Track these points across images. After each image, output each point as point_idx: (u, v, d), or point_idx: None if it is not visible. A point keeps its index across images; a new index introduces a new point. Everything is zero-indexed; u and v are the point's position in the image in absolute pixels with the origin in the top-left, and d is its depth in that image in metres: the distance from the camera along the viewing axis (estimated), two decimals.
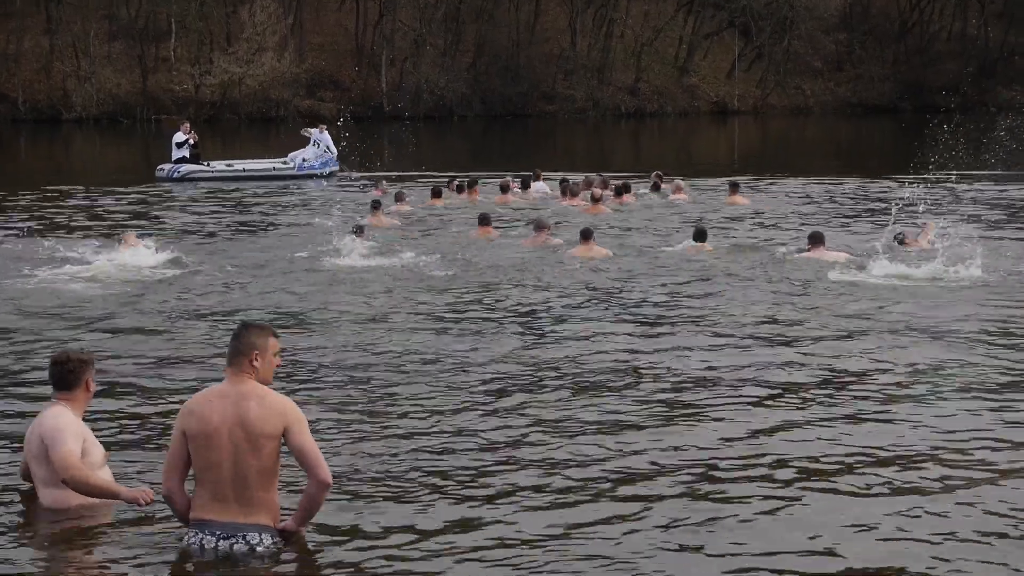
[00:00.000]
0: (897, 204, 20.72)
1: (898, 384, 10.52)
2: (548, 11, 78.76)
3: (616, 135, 64.48)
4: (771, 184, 31.19)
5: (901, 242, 18.43)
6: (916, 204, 22.35)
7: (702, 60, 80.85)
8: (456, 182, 28.53)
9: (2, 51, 66.85)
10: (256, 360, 6.55)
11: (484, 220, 21.11)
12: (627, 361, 11.50)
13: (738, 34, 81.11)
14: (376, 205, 23.16)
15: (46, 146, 55.92)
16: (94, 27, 68.38)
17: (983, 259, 16.30)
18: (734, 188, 26.84)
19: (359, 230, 19.80)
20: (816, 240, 17.71)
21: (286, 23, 71.13)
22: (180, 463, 6.56)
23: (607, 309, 14.24)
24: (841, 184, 31.10)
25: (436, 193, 26.48)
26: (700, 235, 18.68)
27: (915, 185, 26.94)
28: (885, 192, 28.90)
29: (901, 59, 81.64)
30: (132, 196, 29.03)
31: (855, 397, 10.10)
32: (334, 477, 6.71)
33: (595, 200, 24.35)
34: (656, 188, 28.31)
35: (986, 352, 11.68)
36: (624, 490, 7.82)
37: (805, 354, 11.68)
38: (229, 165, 33.78)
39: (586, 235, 18.37)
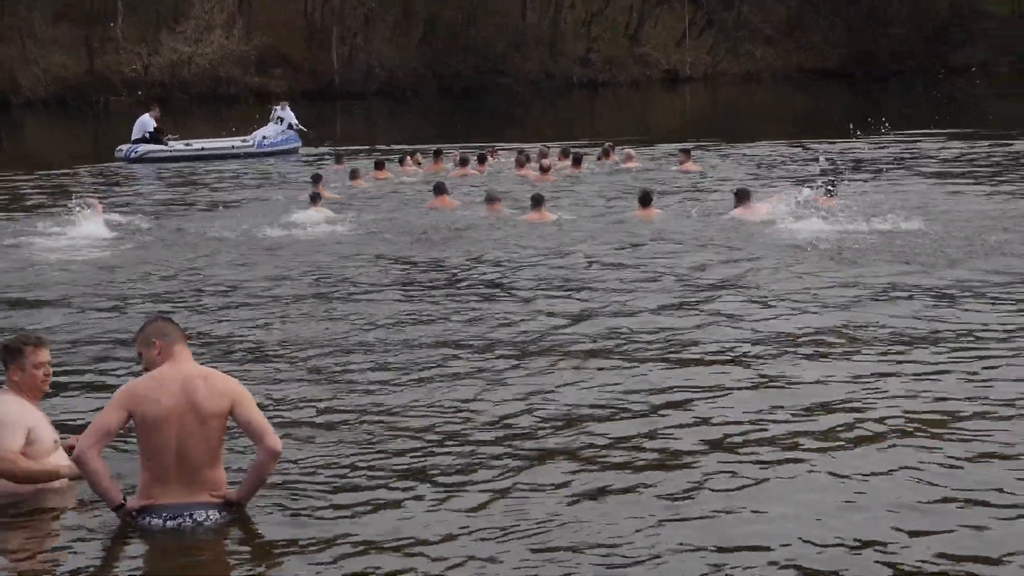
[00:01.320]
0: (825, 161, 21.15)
1: (834, 343, 10.62)
2: None
3: (569, 106, 64.54)
4: (722, 150, 31.38)
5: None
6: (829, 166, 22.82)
7: (652, 28, 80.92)
8: (418, 155, 28.94)
9: None
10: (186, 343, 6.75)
11: (440, 189, 21.25)
12: (571, 322, 11.65)
13: (688, 1, 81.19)
14: (317, 179, 23.21)
15: (10, 130, 55.27)
16: (39, 9, 67.63)
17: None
18: (685, 154, 27.09)
19: (315, 197, 20.20)
20: (742, 196, 18.17)
21: (234, 0, 70.60)
22: (105, 436, 6.57)
23: (556, 272, 14.46)
24: (791, 147, 31.37)
25: (379, 166, 26.76)
26: (645, 199, 18.92)
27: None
28: (834, 153, 29.20)
29: (853, 24, 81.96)
30: (88, 178, 28.90)
31: (803, 356, 10.22)
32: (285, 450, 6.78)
33: (544, 170, 24.85)
34: (607, 155, 28.49)
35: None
36: (575, 444, 7.92)
37: (736, 313, 11.85)
38: (188, 144, 33.50)
39: (537, 201, 18.83)
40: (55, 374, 7.64)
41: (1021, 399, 8.57)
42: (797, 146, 31.70)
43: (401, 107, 63.81)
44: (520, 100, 67.25)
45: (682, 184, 23.95)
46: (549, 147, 29.26)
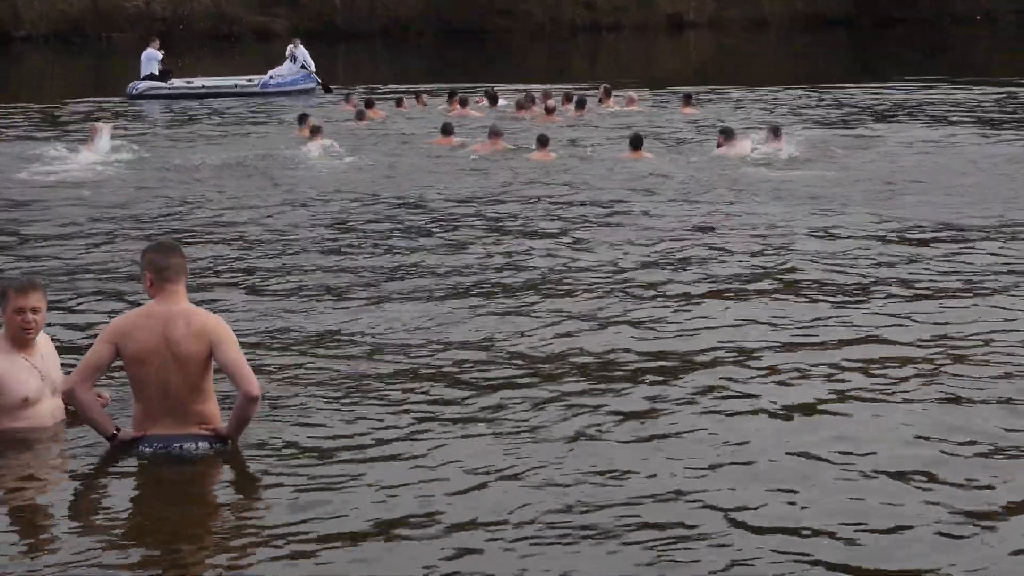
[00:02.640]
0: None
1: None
2: None
3: (573, 50, 64.31)
4: (724, 95, 31.42)
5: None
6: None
7: None
8: (424, 96, 29.10)
9: None
10: (185, 278, 6.81)
11: (447, 130, 21.55)
12: (569, 262, 11.94)
13: None
14: (304, 118, 23.29)
15: (12, 65, 55.08)
16: None
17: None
18: (687, 100, 27.34)
19: (315, 130, 20.71)
20: (727, 134, 19.06)
21: None
22: (94, 371, 6.72)
23: (556, 210, 14.95)
24: (792, 91, 31.41)
25: (370, 104, 26.94)
26: (636, 142, 19.27)
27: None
28: (835, 99, 29.25)
29: None
30: (90, 110, 29.01)
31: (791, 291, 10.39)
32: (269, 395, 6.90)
33: (549, 111, 25.04)
34: (608, 96, 28.51)
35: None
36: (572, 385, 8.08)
37: (726, 250, 12.21)
38: (188, 82, 33.21)
39: (542, 141, 19.36)
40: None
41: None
42: (797, 90, 31.72)
43: (403, 48, 63.59)
44: (523, 42, 66.98)
45: (681, 127, 24.11)
46: (551, 90, 29.44)
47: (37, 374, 7.05)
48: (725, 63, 53.25)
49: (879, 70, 32.97)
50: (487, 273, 11.38)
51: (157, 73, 32.87)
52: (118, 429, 6.80)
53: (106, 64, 54.03)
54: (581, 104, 26.55)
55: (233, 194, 16.40)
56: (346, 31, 68.83)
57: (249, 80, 33.56)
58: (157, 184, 17.41)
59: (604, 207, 15.06)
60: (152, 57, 33.05)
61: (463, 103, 27.21)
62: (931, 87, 31.74)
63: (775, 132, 19.57)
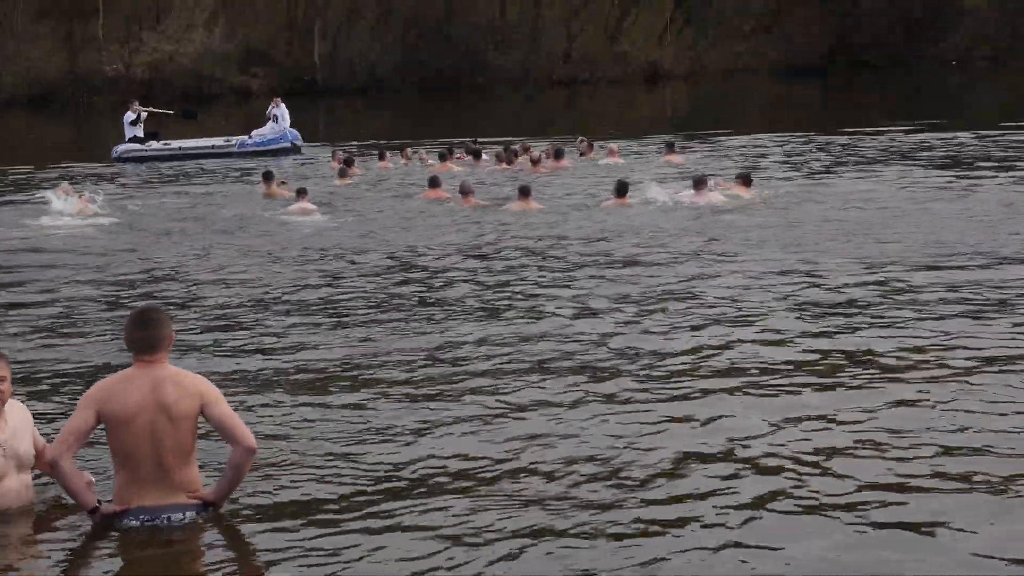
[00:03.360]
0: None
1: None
2: None
3: (550, 103, 64.65)
4: (706, 142, 31.71)
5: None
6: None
7: (633, 25, 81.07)
8: (407, 151, 29.30)
9: None
10: (169, 346, 6.63)
11: (434, 183, 21.72)
12: (551, 300, 12.32)
13: None
14: (269, 176, 23.42)
15: None
16: (21, 6, 67.54)
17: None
18: (670, 148, 27.67)
19: (301, 192, 20.88)
20: (699, 183, 19.54)
21: None
22: (77, 440, 6.50)
23: (539, 257, 15.26)
24: (775, 138, 31.75)
25: (349, 163, 27.09)
26: (621, 189, 19.49)
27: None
28: (814, 146, 29.54)
29: (830, 18, 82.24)
30: (69, 174, 29.05)
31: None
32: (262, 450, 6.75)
33: (534, 162, 25.35)
34: (591, 148, 28.78)
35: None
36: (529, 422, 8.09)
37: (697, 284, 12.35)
38: (166, 144, 33.49)
39: (524, 192, 19.66)
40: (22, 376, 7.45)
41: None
42: (779, 137, 32.03)
43: (382, 104, 63.90)
44: (500, 96, 67.36)
45: (668, 174, 24.33)
46: (530, 144, 29.76)
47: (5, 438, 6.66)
48: (703, 112, 53.63)
49: (850, 116, 33.26)
50: (474, 334, 11.30)
51: (141, 135, 33.18)
52: (100, 502, 6.57)
53: (85, 126, 54.12)
54: (559, 154, 26.74)
55: (213, 256, 16.36)
56: (325, 88, 69.20)
57: (227, 141, 33.79)
58: (135, 246, 17.35)
59: (591, 255, 15.17)
60: (131, 120, 33.43)
61: (442, 158, 27.42)
62: (903, 132, 32.06)
63: (745, 180, 20.08)
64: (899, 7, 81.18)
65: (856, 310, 11.42)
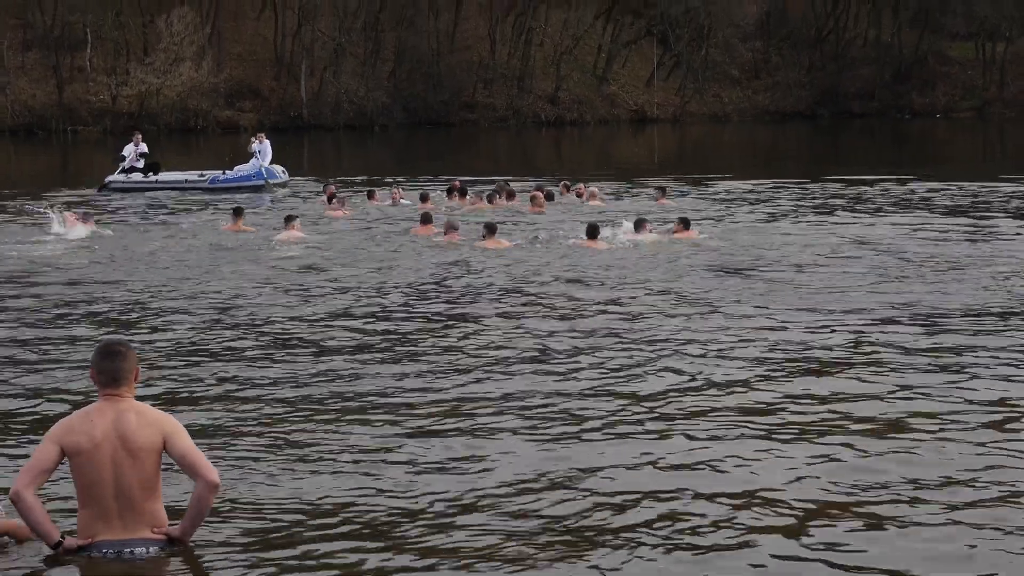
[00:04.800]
0: None
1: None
2: (468, 19, 79.05)
3: (537, 143, 64.92)
4: (694, 186, 31.82)
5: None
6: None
7: (621, 68, 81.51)
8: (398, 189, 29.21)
9: None
10: (135, 380, 6.62)
11: (426, 219, 21.88)
12: (521, 338, 12.26)
13: (656, 42, 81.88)
14: (238, 212, 23.31)
15: None
16: (8, 36, 67.59)
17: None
18: (661, 191, 27.66)
19: (289, 219, 21.20)
20: (683, 223, 20.37)
21: (204, 32, 70.69)
22: (41, 474, 6.45)
23: (509, 294, 15.29)
24: (758, 184, 31.88)
25: (331, 199, 26.98)
26: (592, 231, 19.75)
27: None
28: (794, 190, 29.66)
29: (817, 66, 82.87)
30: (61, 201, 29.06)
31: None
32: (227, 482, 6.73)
33: (538, 203, 25.40)
34: (579, 194, 28.63)
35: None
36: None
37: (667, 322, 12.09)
38: (144, 176, 33.68)
39: (491, 229, 19.80)
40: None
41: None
42: (766, 182, 32.19)
43: (368, 140, 64.08)
44: (487, 135, 67.61)
45: (660, 217, 24.32)
46: (510, 182, 29.73)
47: None
48: (691, 156, 53.89)
49: (836, 162, 33.44)
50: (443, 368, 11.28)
51: (141, 167, 33.40)
52: (63, 536, 6.47)
53: (72, 157, 54.07)
54: (549, 197, 26.72)
55: (197, 281, 16.35)
56: (312, 124, 69.30)
57: (200, 175, 33.88)
58: (125, 270, 17.40)
59: (554, 294, 15.23)
60: (132, 152, 33.67)
61: (424, 199, 27.06)
62: (888, 179, 32.24)
63: (684, 223, 20.63)
64: (886, 58, 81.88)
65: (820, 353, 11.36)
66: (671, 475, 7.79)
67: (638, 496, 7.35)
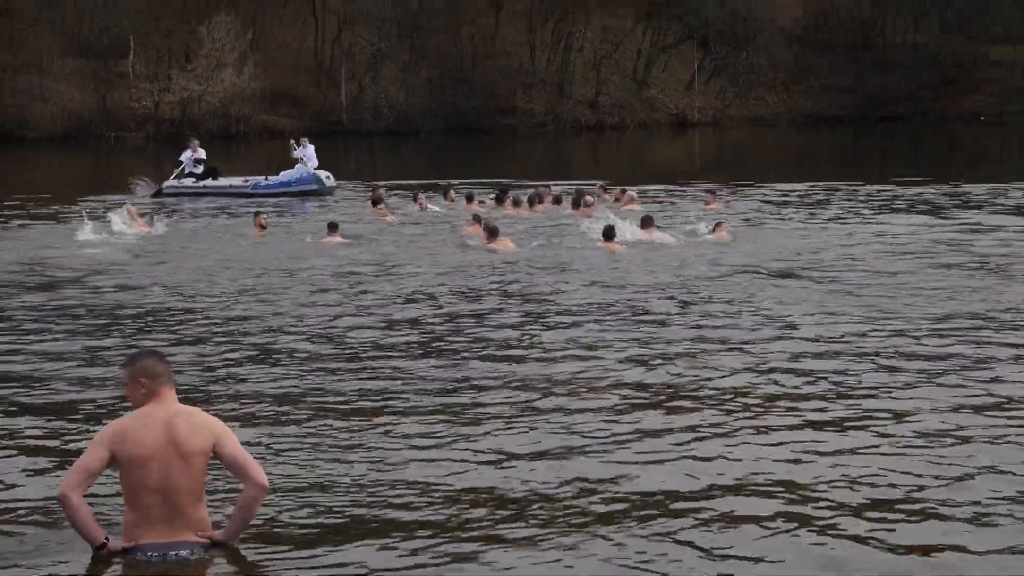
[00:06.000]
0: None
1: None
2: (507, 25, 79.12)
3: (576, 148, 64.80)
4: (740, 190, 31.71)
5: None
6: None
7: (661, 72, 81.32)
8: (451, 192, 29.34)
9: None
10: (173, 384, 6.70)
11: (479, 219, 22.19)
12: (527, 336, 12.42)
13: (697, 46, 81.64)
14: (333, 227, 23.26)
15: (14, 164, 55.41)
16: (53, 45, 68.17)
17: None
18: (711, 195, 27.74)
19: (333, 227, 21.51)
20: (646, 222, 20.86)
21: (245, 39, 71.05)
22: (89, 476, 6.51)
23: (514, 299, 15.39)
24: (805, 187, 31.76)
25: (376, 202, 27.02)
26: (608, 233, 19.90)
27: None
28: (841, 193, 29.47)
29: (861, 70, 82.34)
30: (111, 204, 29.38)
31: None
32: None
33: (587, 205, 25.66)
34: (621, 195, 28.62)
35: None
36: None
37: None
38: (195, 181, 33.90)
39: (492, 232, 20.20)
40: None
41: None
42: (809, 187, 32.01)
43: (407, 146, 64.17)
44: (526, 140, 67.60)
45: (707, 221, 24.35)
46: (551, 187, 29.72)
47: None
48: (732, 160, 53.65)
49: (880, 166, 33.19)
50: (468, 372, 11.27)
51: (199, 172, 33.69)
52: (108, 538, 6.53)
53: (115, 162, 54.43)
54: (576, 203, 26.70)
55: (241, 283, 16.46)
56: (351, 129, 69.52)
57: (245, 181, 33.97)
58: (164, 274, 17.53)
59: (582, 295, 15.26)
60: (189, 158, 33.96)
61: (469, 199, 27.38)
62: (931, 182, 31.98)
63: (718, 225, 21.05)
64: (930, 62, 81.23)
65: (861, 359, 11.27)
66: (710, 472, 7.74)
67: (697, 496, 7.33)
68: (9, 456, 8.55)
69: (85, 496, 6.52)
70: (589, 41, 79.66)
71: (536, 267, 17.81)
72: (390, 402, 9.84)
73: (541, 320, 13.52)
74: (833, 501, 7.25)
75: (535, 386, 10.30)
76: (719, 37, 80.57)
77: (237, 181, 34.10)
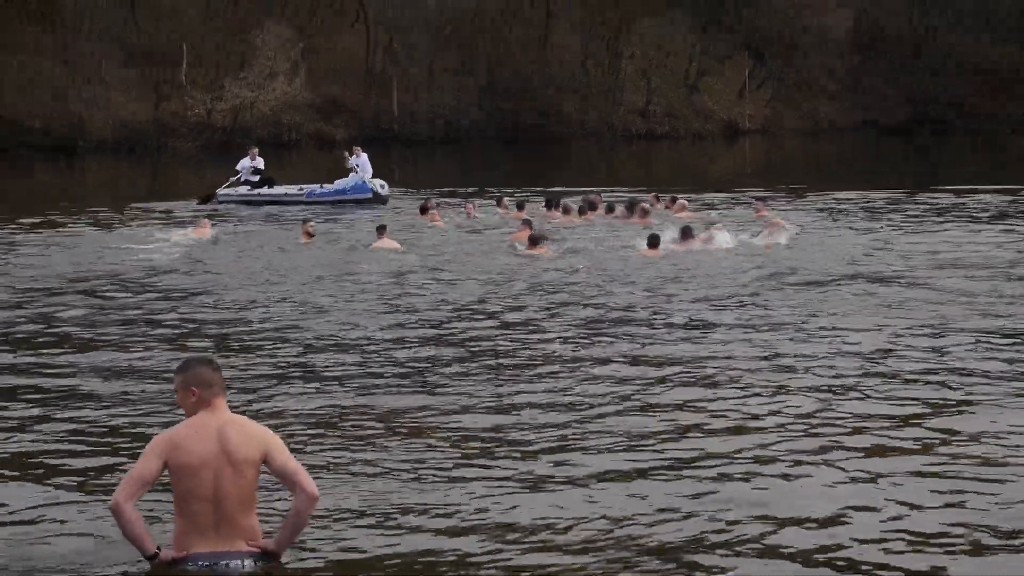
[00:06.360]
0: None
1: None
2: (559, 33, 78.94)
3: (627, 156, 64.69)
4: (793, 199, 31.54)
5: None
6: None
7: (713, 81, 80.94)
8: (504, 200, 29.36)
9: (16, 80, 67.10)
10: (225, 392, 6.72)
11: (528, 223, 22.75)
12: (570, 349, 12.48)
13: (749, 55, 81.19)
14: (382, 229, 23.32)
15: (76, 173, 55.94)
16: (107, 54, 68.72)
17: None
18: (762, 203, 27.61)
19: (382, 229, 22.07)
20: (685, 233, 21.08)
21: (297, 48, 71.32)
22: (142, 486, 6.54)
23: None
24: (854, 195, 31.50)
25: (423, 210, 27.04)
26: (653, 241, 20.09)
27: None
28: (893, 202, 29.18)
29: (913, 78, 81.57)
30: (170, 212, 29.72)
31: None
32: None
33: (644, 213, 25.35)
34: (673, 201, 28.55)
35: None
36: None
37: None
38: (250, 189, 34.00)
39: (534, 240, 20.73)
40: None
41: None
42: (864, 196, 31.78)
43: (458, 153, 64.27)
44: (579, 149, 67.50)
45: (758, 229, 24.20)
46: (601, 194, 29.72)
47: None
48: (783, 168, 53.32)
49: (933, 175, 32.88)
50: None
51: (255, 180, 33.83)
52: (159, 548, 6.58)
53: (168, 172, 54.87)
54: (631, 208, 26.66)
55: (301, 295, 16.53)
56: (402, 137, 69.62)
57: (299, 189, 34.03)
58: (212, 284, 17.67)
59: (612, 305, 15.22)
60: (247, 166, 34.12)
61: (520, 207, 27.40)
62: (987, 190, 31.64)
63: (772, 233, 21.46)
64: (983, 68, 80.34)
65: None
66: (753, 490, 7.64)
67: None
68: (62, 467, 8.58)
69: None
70: (640, 50, 79.39)
71: (582, 276, 17.75)
72: (433, 419, 9.78)
73: (591, 332, 13.44)
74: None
75: (588, 405, 10.18)
76: (770, 46, 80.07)
77: (292, 189, 34.18)
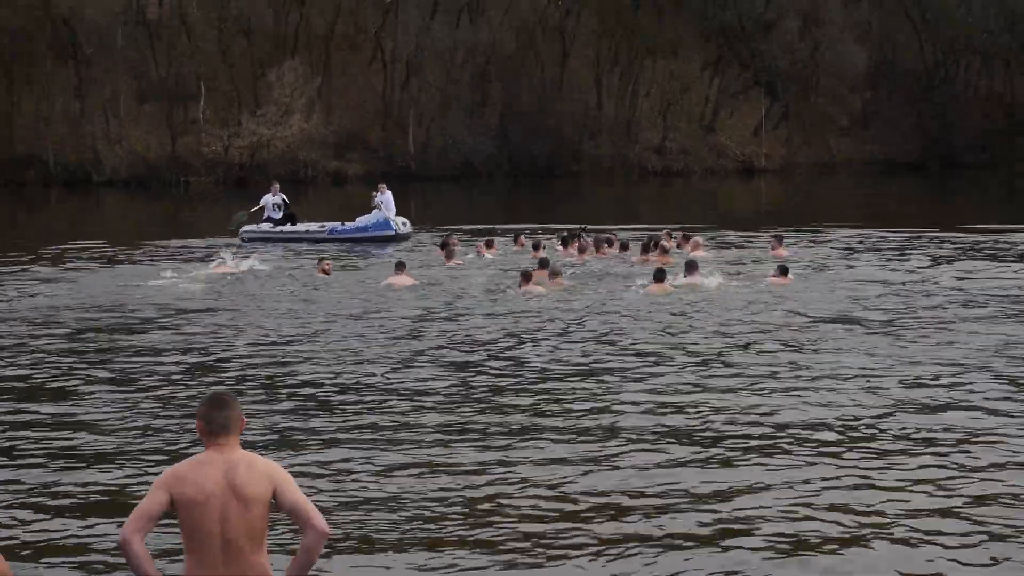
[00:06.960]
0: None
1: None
2: (574, 70, 79.30)
3: (642, 193, 64.77)
4: (810, 236, 31.54)
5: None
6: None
7: (728, 118, 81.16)
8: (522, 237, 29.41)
9: (33, 113, 67.58)
10: (240, 430, 6.64)
11: (544, 264, 22.49)
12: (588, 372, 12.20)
13: (764, 92, 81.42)
14: (400, 266, 23.30)
15: (85, 207, 56.21)
16: (124, 89, 69.20)
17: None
18: (777, 240, 27.36)
19: (400, 265, 22.06)
20: (781, 271, 21.13)
21: (314, 85, 71.73)
22: (149, 521, 6.49)
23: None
24: (867, 233, 31.46)
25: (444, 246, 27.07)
26: (659, 275, 20.27)
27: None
28: (904, 240, 29.16)
29: (927, 116, 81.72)
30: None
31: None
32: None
33: (664, 251, 25.63)
34: (686, 239, 28.51)
35: None
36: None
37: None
38: (273, 226, 34.00)
39: (555, 271, 21.03)
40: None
41: None
42: (878, 233, 31.78)
43: (474, 190, 64.44)
44: (594, 185, 67.64)
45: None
46: (617, 232, 29.73)
47: None
48: (798, 206, 53.32)
49: (948, 213, 32.86)
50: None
51: (277, 217, 33.89)
52: None
53: (184, 207, 55.11)
54: (645, 248, 26.61)
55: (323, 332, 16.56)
56: (419, 174, 69.86)
57: (321, 227, 34.08)
58: (237, 317, 17.69)
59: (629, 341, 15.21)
60: (269, 202, 34.20)
61: (536, 247, 27.29)
62: (1001, 230, 31.59)
63: (782, 271, 21.28)
64: (998, 108, 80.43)
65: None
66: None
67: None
68: (74, 501, 8.56)
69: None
70: (656, 86, 79.69)
71: (593, 311, 17.79)
72: (451, 457, 9.74)
73: (605, 367, 13.42)
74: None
75: (610, 436, 10.18)
76: (785, 84, 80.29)
77: (314, 226, 34.22)
